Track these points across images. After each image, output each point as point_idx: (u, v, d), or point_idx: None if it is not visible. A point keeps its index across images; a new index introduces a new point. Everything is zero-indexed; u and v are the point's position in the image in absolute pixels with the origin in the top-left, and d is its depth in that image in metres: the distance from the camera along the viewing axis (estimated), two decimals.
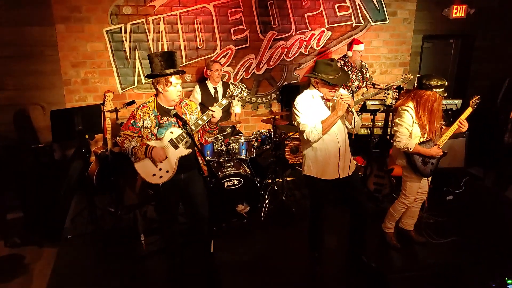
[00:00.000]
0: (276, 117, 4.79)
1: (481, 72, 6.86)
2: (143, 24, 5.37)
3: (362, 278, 3.50)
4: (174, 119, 3.07)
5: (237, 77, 5.91)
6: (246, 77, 5.99)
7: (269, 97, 6.21)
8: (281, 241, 4.19)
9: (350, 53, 5.64)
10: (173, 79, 2.98)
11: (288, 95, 6.08)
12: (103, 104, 4.41)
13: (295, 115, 3.29)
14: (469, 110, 3.61)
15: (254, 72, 6.01)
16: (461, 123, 3.55)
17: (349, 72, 5.51)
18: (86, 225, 4.28)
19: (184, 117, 3.11)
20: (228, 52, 5.77)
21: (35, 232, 4.16)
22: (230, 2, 5.60)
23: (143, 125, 3.05)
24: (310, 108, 3.25)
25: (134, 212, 4.10)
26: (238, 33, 5.75)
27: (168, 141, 3.01)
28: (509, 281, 3.13)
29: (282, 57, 6.06)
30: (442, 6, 6.44)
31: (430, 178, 3.85)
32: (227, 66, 5.84)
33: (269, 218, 4.58)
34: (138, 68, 5.49)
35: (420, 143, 3.59)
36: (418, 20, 6.43)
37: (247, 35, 5.80)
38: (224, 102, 3.07)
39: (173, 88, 3.00)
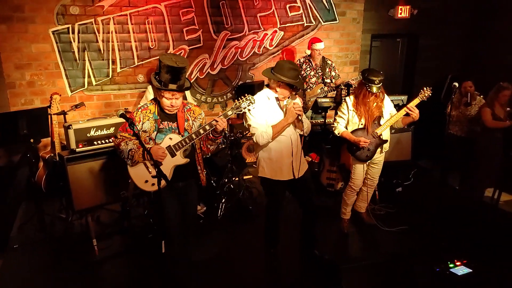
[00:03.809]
0: (232, 116, 4.80)
1: (426, 70, 7.23)
2: (92, 24, 5.22)
3: (317, 270, 3.60)
4: (174, 125, 2.95)
5: (191, 77, 5.88)
6: (201, 77, 5.98)
7: (224, 96, 6.23)
8: (238, 239, 4.22)
9: (308, 51, 5.75)
10: (167, 94, 2.83)
11: (243, 94, 6.12)
12: (49, 107, 4.26)
13: (247, 117, 3.29)
14: (417, 100, 3.71)
15: (208, 71, 6.00)
16: (410, 109, 3.65)
17: (308, 69, 5.63)
18: (35, 233, 4.12)
19: (186, 123, 2.99)
20: (181, 52, 5.73)
21: None
22: (182, 2, 5.57)
23: (141, 128, 2.89)
24: (264, 111, 3.27)
25: (86, 217, 3.98)
26: (191, 33, 5.73)
27: (166, 148, 2.89)
28: (451, 265, 3.34)
29: (236, 57, 6.10)
30: (388, 7, 6.74)
31: (376, 166, 4.05)
32: None
33: (226, 217, 4.60)
34: (88, 69, 5.33)
35: (357, 130, 3.83)
36: (366, 20, 6.68)
37: (200, 35, 5.78)
38: (230, 113, 2.94)
39: (166, 101, 2.86)
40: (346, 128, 3.91)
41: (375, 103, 3.75)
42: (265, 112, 3.27)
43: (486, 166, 4.86)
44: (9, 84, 4.98)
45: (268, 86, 3.39)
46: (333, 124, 4.00)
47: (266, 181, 3.46)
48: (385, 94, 3.86)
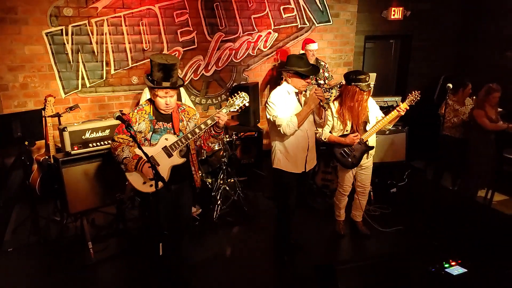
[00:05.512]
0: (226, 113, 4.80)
1: (419, 70, 7.28)
2: (86, 26, 5.20)
3: (312, 271, 3.61)
4: (169, 125, 2.94)
5: (186, 79, 5.88)
6: (195, 79, 5.98)
7: (219, 98, 6.23)
8: (234, 240, 4.23)
9: (302, 52, 5.77)
10: (161, 92, 2.82)
11: (236, 92, 6.12)
12: (43, 109, 4.23)
13: (270, 109, 3.35)
14: (405, 105, 3.69)
15: (203, 73, 6.00)
16: (401, 110, 3.65)
17: None
18: (29, 236, 4.08)
19: (180, 123, 2.97)
20: (175, 54, 5.72)
21: None
22: (176, 3, 5.56)
23: (137, 129, 2.88)
24: (286, 104, 3.35)
25: (81, 219, 3.96)
26: (185, 34, 5.72)
27: (162, 148, 2.87)
28: (446, 265, 3.36)
29: (230, 58, 6.10)
30: (381, 8, 6.78)
31: (364, 172, 4.01)
32: None
33: (222, 219, 4.59)
34: (81, 71, 5.30)
35: (342, 136, 3.79)
36: (359, 22, 6.72)
37: (194, 37, 5.78)
38: (225, 111, 2.88)
39: (160, 100, 2.84)
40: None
41: (364, 103, 3.71)
42: (286, 105, 3.34)
43: (480, 167, 4.90)
44: (2, 86, 4.94)
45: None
46: (317, 130, 3.83)
47: (280, 172, 3.52)
48: (370, 97, 3.82)
